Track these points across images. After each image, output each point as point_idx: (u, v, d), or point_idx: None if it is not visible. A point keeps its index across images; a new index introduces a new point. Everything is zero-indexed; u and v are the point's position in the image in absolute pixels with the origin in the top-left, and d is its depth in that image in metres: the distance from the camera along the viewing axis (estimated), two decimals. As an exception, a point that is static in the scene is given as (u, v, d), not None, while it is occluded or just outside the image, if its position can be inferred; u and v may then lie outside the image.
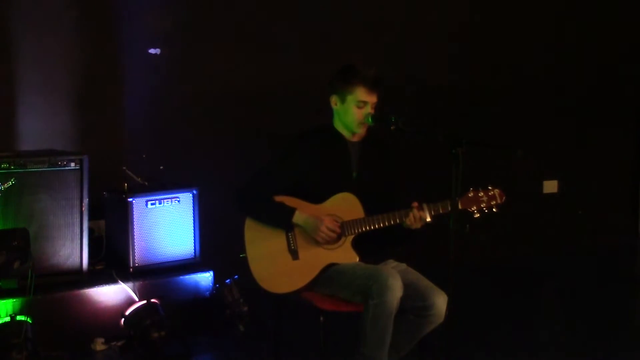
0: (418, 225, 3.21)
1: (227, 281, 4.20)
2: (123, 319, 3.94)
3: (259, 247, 3.30)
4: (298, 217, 3.26)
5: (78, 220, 3.98)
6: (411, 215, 3.20)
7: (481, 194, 3.24)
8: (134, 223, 4.13)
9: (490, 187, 3.26)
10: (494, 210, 3.24)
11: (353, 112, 3.32)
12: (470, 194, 3.24)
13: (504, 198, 3.25)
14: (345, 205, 3.30)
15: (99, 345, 3.93)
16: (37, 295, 3.70)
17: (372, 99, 3.30)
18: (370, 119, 3.30)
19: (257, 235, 3.31)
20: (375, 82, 3.30)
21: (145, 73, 4.70)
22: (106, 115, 4.67)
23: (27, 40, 4.41)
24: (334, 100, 3.39)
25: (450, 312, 2.89)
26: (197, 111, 4.87)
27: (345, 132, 3.41)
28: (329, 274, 3.26)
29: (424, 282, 3.21)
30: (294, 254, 3.29)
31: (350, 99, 3.32)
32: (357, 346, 3.11)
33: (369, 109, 3.31)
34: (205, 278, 4.31)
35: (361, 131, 3.37)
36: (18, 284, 3.71)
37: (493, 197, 3.24)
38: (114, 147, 4.65)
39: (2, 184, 3.79)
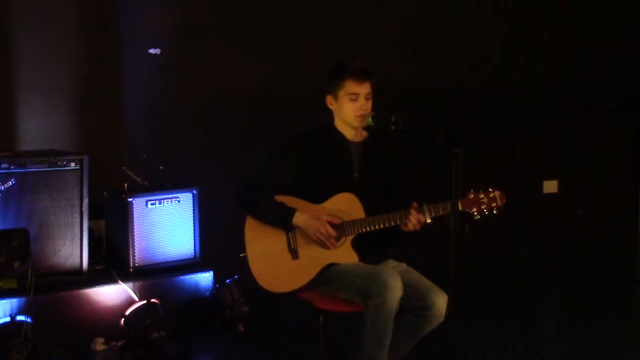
0: (418, 226, 3.21)
1: (227, 281, 4.20)
2: (123, 319, 3.94)
3: (259, 246, 3.29)
4: (298, 218, 3.26)
5: (78, 220, 3.98)
6: (411, 216, 3.20)
7: (482, 195, 3.23)
8: (134, 223, 4.13)
9: (491, 189, 3.25)
10: (494, 212, 3.24)
11: (348, 106, 3.32)
12: (471, 196, 3.23)
13: (504, 200, 3.24)
14: (345, 205, 3.29)
15: (99, 345, 3.93)
16: (37, 295, 3.69)
17: (362, 89, 3.30)
18: (370, 119, 3.30)
19: (258, 234, 3.30)
20: (362, 72, 3.30)
21: (145, 73, 4.70)
22: (106, 116, 4.67)
23: (27, 40, 4.41)
24: (329, 100, 3.39)
25: (450, 312, 2.88)
26: (197, 111, 4.88)
27: (346, 131, 3.40)
28: (328, 274, 3.25)
29: (424, 282, 3.20)
30: (294, 254, 3.28)
31: (342, 94, 3.32)
32: (357, 346, 3.10)
33: (362, 101, 3.30)
34: (205, 278, 4.31)
35: (361, 126, 3.36)
36: (18, 284, 3.72)
37: (493, 199, 3.24)
38: (114, 147, 4.65)
39: (2, 184, 3.79)
